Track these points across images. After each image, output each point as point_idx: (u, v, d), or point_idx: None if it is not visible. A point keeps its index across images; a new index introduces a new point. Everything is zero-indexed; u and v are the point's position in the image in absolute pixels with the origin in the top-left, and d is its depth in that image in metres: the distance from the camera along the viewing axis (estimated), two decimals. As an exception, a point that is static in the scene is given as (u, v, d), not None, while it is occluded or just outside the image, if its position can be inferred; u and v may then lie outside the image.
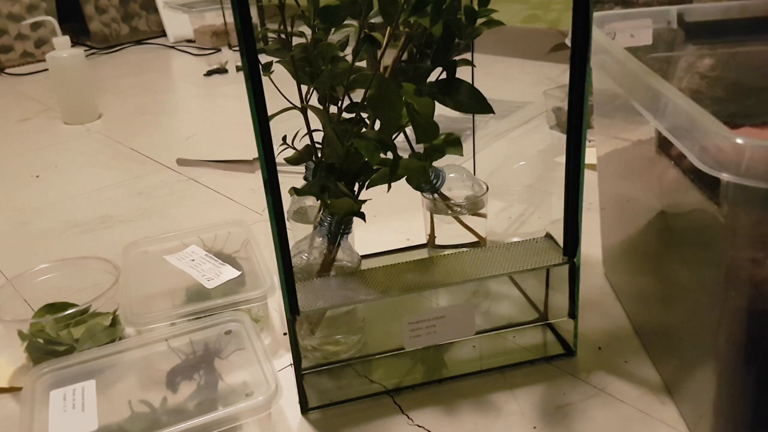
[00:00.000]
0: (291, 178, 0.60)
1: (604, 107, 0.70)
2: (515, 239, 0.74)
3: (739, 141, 0.40)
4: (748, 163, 0.39)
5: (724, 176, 0.41)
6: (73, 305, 0.69)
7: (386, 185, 0.60)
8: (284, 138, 0.60)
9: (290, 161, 0.62)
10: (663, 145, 0.56)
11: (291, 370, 0.65)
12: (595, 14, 0.63)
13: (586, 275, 0.75)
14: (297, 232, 0.68)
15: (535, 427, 0.58)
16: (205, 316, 0.66)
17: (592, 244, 0.76)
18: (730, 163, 0.40)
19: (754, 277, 0.45)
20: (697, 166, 0.42)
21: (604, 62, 0.62)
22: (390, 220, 0.88)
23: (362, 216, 0.60)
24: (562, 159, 0.58)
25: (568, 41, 0.53)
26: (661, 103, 0.49)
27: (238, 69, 1.94)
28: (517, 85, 1.60)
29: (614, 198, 0.73)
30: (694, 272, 0.53)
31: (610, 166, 0.73)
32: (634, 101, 0.54)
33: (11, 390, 0.68)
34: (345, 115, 0.58)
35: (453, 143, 0.63)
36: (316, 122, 0.59)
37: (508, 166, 1.13)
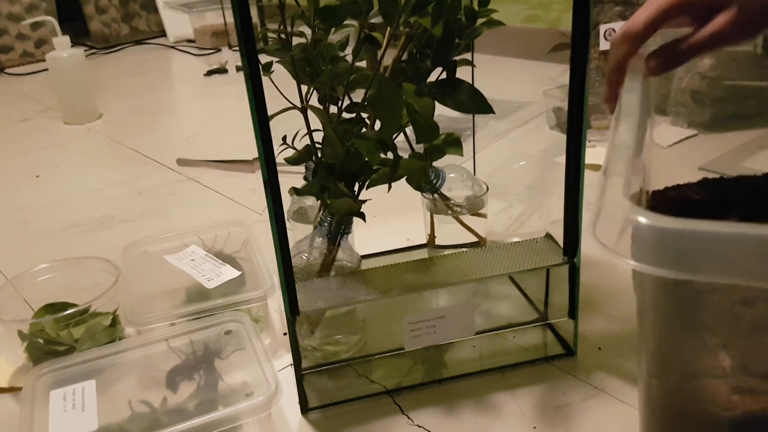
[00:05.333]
0: (291, 178, 0.60)
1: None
2: (515, 239, 0.74)
3: None
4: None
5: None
6: (73, 305, 0.69)
7: (386, 185, 0.60)
8: (284, 138, 0.60)
9: (290, 161, 0.62)
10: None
11: (291, 370, 0.65)
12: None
13: (586, 275, 0.75)
14: (297, 232, 0.68)
15: (535, 427, 0.58)
16: (205, 316, 0.66)
17: (592, 245, 0.76)
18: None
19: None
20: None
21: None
22: (390, 220, 0.88)
23: (362, 216, 0.60)
24: (562, 159, 0.58)
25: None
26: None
27: (238, 69, 1.94)
28: (517, 85, 1.60)
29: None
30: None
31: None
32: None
33: (11, 390, 0.68)
34: (345, 115, 0.58)
35: (453, 143, 0.63)
36: (316, 122, 0.59)
37: (508, 166, 1.13)
